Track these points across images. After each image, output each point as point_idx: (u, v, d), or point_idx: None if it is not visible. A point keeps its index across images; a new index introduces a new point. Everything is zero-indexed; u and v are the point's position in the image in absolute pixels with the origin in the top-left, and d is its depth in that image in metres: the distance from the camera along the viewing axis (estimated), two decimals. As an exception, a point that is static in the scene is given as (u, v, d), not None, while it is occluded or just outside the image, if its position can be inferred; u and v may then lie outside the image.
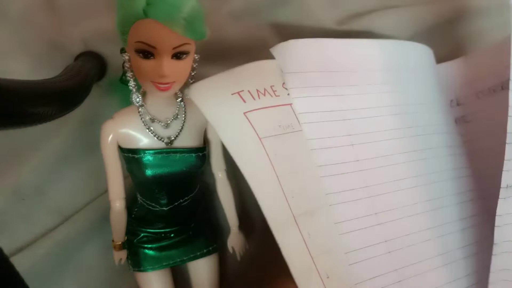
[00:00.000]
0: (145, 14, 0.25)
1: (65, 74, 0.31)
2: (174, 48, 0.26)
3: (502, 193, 0.28)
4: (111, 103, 0.37)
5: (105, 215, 0.35)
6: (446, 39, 0.43)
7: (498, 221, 0.28)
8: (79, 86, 0.31)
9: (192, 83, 0.30)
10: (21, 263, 0.33)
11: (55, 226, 0.36)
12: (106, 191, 0.36)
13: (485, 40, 0.44)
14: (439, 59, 0.41)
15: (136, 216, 0.33)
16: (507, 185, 0.28)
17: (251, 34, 0.39)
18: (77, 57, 0.36)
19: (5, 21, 0.36)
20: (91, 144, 0.36)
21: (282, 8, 0.39)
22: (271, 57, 0.41)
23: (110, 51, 0.37)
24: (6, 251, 0.20)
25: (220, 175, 0.34)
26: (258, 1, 0.39)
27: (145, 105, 0.30)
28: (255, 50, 0.40)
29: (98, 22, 0.37)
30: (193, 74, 0.29)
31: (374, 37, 0.40)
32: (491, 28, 0.44)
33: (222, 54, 0.39)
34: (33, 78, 0.26)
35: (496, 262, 0.28)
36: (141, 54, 0.26)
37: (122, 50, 0.32)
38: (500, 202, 0.28)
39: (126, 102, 0.32)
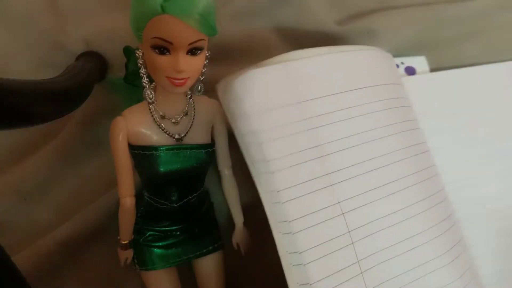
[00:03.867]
0: (163, 9, 0.25)
1: (66, 74, 0.31)
2: (190, 44, 0.27)
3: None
4: (112, 103, 0.37)
5: (107, 215, 0.36)
6: (447, 40, 0.43)
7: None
8: (80, 86, 0.31)
9: (202, 80, 0.30)
10: (23, 263, 0.33)
11: (57, 226, 0.36)
12: (108, 190, 0.36)
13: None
14: (440, 62, 0.41)
15: (142, 215, 0.33)
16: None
17: (252, 34, 0.40)
18: (78, 57, 0.36)
19: (7, 22, 0.36)
20: (93, 143, 0.37)
21: (283, 8, 0.40)
22: (271, 57, 0.41)
23: (111, 51, 0.37)
24: (8, 250, 0.20)
25: (226, 172, 0.34)
26: (259, 1, 0.39)
27: (155, 102, 0.30)
28: (256, 50, 0.40)
29: (99, 23, 0.37)
30: (203, 71, 0.30)
31: (374, 37, 0.40)
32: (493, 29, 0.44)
33: (224, 53, 0.39)
34: (35, 78, 0.27)
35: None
36: (157, 50, 0.27)
37: (126, 50, 0.33)
38: None
39: (128, 102, 0.32)
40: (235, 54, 0.39)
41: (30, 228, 0.36)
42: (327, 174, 0.28)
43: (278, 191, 0.27)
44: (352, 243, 0.27)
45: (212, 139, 0.33)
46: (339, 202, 0.28)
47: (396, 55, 0.39)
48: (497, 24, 0.44)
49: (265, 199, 0.28)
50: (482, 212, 0.37)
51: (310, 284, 0.26)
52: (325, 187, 0.28)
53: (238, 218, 0.35)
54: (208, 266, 0.34)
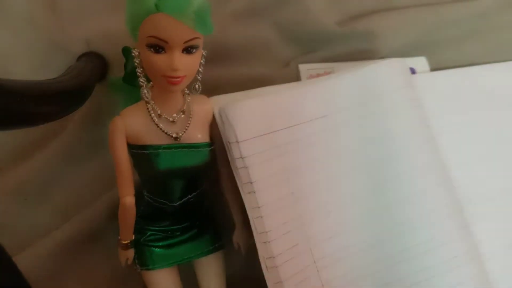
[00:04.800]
0: (157, 8, 0.25)
1: (67, 75, 0.31)
2: (185, 42, 0.27)
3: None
4: (113, 103, 0.37)
5: (108, 215, 0.36)
6: (447, 41, 0.43)
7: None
8: (81, 86, 0.31)
9: (199, 79, 0.30)
10: (24, 263, 0.33)
11: (57, 226, 0.36)
12: (109, 190, 0.36)
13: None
14: (440, 63, 0.41)
15: (143, 215, 0.33)
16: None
17: (252, 34, 0.40)
18: (79, 58, 0.37)
19: (8, 22, 0.36)
20: (93, 143, 0.37)
21: (282, 9, 0.40)
22: (271, 57, 0.41)
23: (112, 51, 0.37)
24: (9, 250, 0.20)
25: (225, 171, 0.34)
26: (259, 2, 0.39)
27: (152, 101, 0.30)
28: (256, 50, 0.40)
29: (100, 23, 0.37)
30: (200, 70, 0.30)
31: (374, 38, 0.40)
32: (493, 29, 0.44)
33: (224, 53, 0.39)
34: (36, 78, 0.27)
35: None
36: (152, 49, 0.27)
37: (124, 50, 0.33)
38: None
39: (128, 102, 0.32)
40: (235, 54, 0.39)
41: (31, 228, 0.36)
42: (292, 192, 0.33)
43: (259, 207, 0.32)
44: (310, 248, 0.33)
45: (211, 138, 0.33)
46: (300, 216, 0.33)
47: (396, 56, 0.39)
48: (497, 24, 0.44)
49: (250, 214, 0.32)
50: (483, 209, 0.38)
51: (282, 282, 0.31)
52: (291, 203, 0.33)
53: (238, 217, 0.35)
54: (209, 265, 0.34)
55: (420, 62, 0.41)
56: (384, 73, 0.35)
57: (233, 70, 0.39)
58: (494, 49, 0.43)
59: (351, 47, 0.40)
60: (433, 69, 0.41)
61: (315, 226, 0.33)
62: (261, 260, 0.32)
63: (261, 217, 0.32)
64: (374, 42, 0.40)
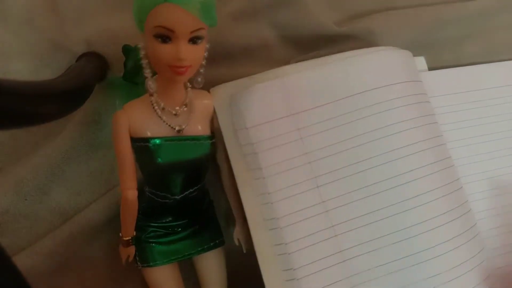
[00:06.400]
0: None
1: (67, 75, 0.31)
2: (191, 32, 0.27)
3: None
4: (113, 103, 0.37)
5: (108, 215, 0.36)
6: (446, 41, 0.43)
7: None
8: (81, 86, 0.31)
9: (202, 72, 0.31)
10: (23, 263, 0.33)
11: (57, 226, 0.36)
12: (108, 190, 0.36)
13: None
14: (439, 62, 0.41)
15: (144, 211, 0.33)
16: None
17: (252, 34, 0.40)
18: (80, 58, 0.37)
19: (7, 22, 0.36)
20: (93, 144, 0.37)
21: (282, 9, 0.40)
22: (271, 57, 0.41)
23: (112, 51, 0.37)
24: (9, 250, 0.20)
25: (225, 165, 0.34)
26: (258, 2, 0.39)
27: (156, 94, 0.31)
28: (256, 50, 0.40)
29: (100, 23, 0.37)
30: (203, 63, 0.30)
31: (373, 38, 0.40)
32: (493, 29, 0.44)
33: (223, 53, 0.39)
34: (36, 78, 0.27)
35: None
36: (159, 39, 0.27)
37: (124, 48, 0.33)
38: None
39: (127, 101, 0.32)
40: (235, 54, 0.39)
41: (31, 228, 0.36)
42: (309, 179, 0.32)
43: (268, 193, 0.31)
44: (336, 235, 0.31)
45: (212, 132, 0.34)
46: (323, 202, 0.32)
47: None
48: (496, 24, 0.44)
49: (253, 202, 0.32)
50: (486, 207, 0.38)
51: (294, 270, 0.30)
52: (311, 189, 0.32)
53: (239, 214, 0.35)
54: (210, 262, 0.35)
55: (419, 62, 0.41)
56: (389, 63, 0.35)
57: (232, 70, 0.39)
58: (493, 49, 0.43)
59: (350, 47, 0.40)
60: (432, 68, 0.41)
61: (338, 213, 0.32)
62: (262, 250, 0.31)
63: (271, 203, 0.31)
64: (373, 42, 0.40)
